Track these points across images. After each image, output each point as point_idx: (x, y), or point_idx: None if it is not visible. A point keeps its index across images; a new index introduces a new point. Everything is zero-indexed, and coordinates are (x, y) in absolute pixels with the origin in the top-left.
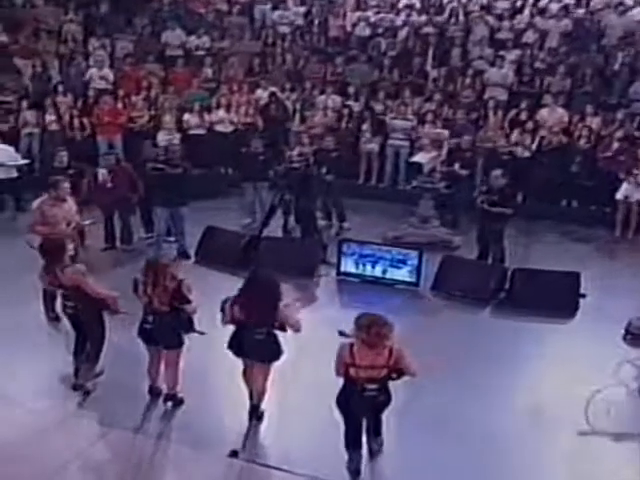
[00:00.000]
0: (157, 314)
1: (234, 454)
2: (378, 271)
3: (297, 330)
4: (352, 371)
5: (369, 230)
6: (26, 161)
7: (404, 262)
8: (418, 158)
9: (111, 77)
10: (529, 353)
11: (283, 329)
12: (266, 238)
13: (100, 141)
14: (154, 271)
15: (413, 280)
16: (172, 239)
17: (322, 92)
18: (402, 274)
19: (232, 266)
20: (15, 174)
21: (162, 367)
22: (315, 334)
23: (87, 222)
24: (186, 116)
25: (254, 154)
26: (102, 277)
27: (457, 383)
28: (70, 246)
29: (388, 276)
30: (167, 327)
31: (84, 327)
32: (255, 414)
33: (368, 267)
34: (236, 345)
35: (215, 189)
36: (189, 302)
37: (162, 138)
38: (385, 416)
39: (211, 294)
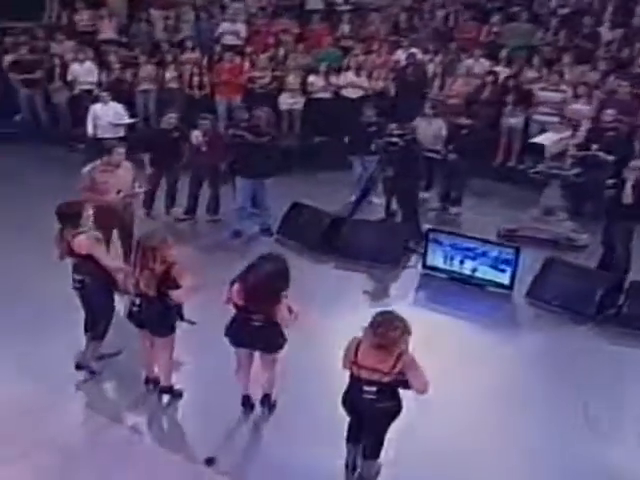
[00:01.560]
0: (144, 297)
1: (209, 462)
2: (467, 268)
3: (285, 326)
4: (354, 369)
5: (484, 219)
6: (132, 120)
7: (498, 260)
8: (541, 139)
9: (243, 32)
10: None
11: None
12: (351, 220)
13: (218, 101)
14: (142, 251)
15: (506, 282)
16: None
17: (470, 55)
18: (494, 274)
19: (312, 248)
20: (122, 133)
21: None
22: None
23: (139, 190)
24: (311, 78)
25: (365, 124)
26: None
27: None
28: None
29: (478, 275)
30: (154, 313)
31: (91, 302)
32: (267, 403)
33: (456, 262)
34: (233, 333)
35: (332, 161)
36: (177, 288)
37: (284, 101)
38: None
39: None
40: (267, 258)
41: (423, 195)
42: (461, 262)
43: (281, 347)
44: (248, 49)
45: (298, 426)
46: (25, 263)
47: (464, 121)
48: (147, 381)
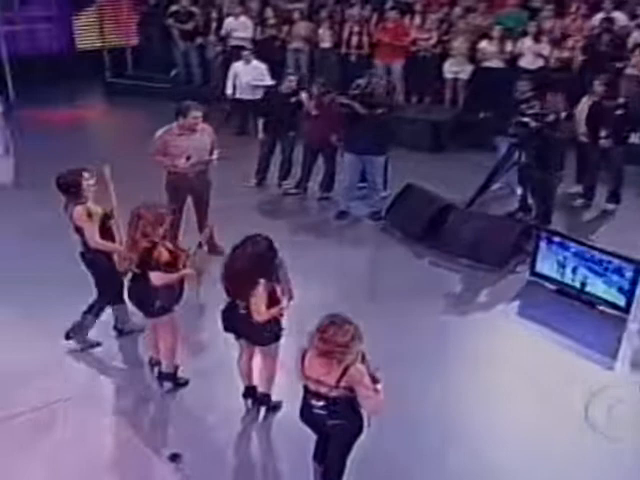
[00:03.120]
0: (131, 272)
1: (174, 458)
2: (578, 280)
3: (258, 318)
4: (303, 379)
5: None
6: (270, 82)
7: (615, 274)
8: None
9: None
10: None
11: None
12: (461, 210)
13: (377, 65)
14: (130, 217)
15: (620, 303)
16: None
17: None
18: (607, 291)
19: (415, 237)
20: (260, 96)
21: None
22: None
23: (214, 157)
24: (483, 43)
25: (517, 101)
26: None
27: None
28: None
29: (588, 289)
30: (139, 291)
31: (92, 274)
32: (265, 403)
33: (568, 272)
34: (223, 317)
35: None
36: (158, 269)
37: (448, 69)
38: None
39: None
40: (250, 239)
41: (569, 189)
42: (573, 271)
43: (267, 341)
44: (417, 6)
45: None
46: None
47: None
48: (150, 362)
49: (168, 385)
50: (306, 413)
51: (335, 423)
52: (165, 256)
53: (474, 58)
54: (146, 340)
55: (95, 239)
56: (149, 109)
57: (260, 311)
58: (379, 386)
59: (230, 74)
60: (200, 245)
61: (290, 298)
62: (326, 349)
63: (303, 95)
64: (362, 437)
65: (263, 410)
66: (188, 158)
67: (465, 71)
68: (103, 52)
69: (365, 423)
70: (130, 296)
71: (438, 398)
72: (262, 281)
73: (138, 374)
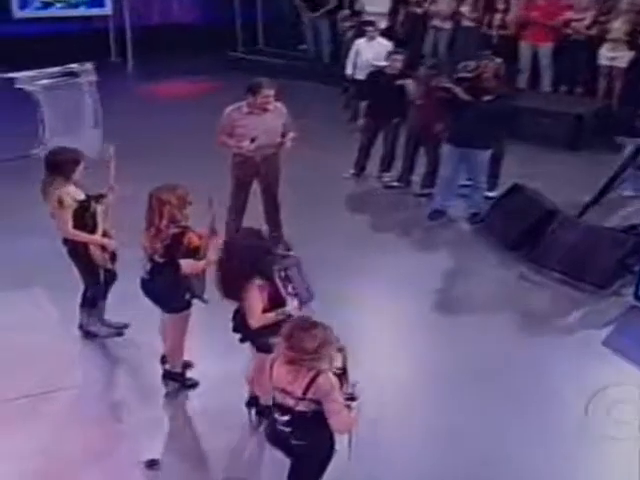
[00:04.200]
0: (152, 263)
1: (151, 464)
2: None
3: (252, 322)
4: (272, 391)
5: None
6: (383, 64)
7: None
8: None
9: None
10: None
11: None
12: (566, 218)
13: (522, 47)
14: (149, 202)
15: None
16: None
17: None
18: None
19: (509, 245)
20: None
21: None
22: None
23: (287, 140)
24: None
25: None
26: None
27: None
28: None
29: None
30: (160, 283)
31: (74, 265)
32: (266, 416)
33: None
34: (234, 317)
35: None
36: (189, 256)
37: (604, 54)
38: None
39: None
40: (243, 231)
41: None
42: None
43: (265, 349)
44: None
45: None
46: None
47: None
48: (162, 360)
49: (174, 385)
50: (270, 430)
51: (299, 444)
52: (195, 241)
53: (635, 44)
54: (161, 335)
55: (66, 228)
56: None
57: (254, 314)
58: (354, 404)
59: (352, 51)
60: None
61: (301, 302)
62: (293, 356)
63: (408, 81)
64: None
65: (252, 414)
66: (253, 140)
67: (623, 58)
68: (235, 25)
69: (343, 443)
70: (149, 291)
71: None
72: (257, 280)
73: (146, 369)
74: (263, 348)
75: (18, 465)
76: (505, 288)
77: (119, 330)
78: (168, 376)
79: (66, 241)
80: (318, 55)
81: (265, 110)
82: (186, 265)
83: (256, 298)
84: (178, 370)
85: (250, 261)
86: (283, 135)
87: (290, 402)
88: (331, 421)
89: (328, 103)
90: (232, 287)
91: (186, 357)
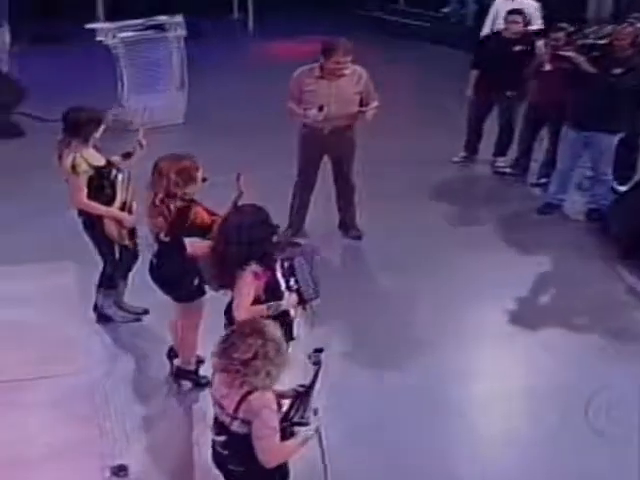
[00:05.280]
0: (159, 243)
1: (119, 470)
2: None
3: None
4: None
5: None
6: (539, 26)
7: None
8: None
9: None
10: None
11: None
12: None
13: None
14: (152, 173)
15: None
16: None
17: None
18: None
19: (622, 252)
20: None
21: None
22: None
23: (367, 110)
24: None
25: None
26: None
27: None
28: None
29: None
30: (167, 266)
31: (92, 242)
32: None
33: None
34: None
35: None
36: (198, 235)
37: None
38: None
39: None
40: (237, 210)
41: None
42: None
43: None
44: None
45: None
46: None
47: None
48: (169, 353)
49: (187, 384)
50: (212, 450)
51: (237, 470)
52: (203, 218)
53: None
54: (170, 327)
55: (78, 198)
56: (410, 52)
57: (241, 305)
58: (290, 442)
59: (490, 12)
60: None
61: (302, 301)
62: (222, 364)
63: (539, 43)
64: None
65: None
66: (321, 108)
67: None
68: None
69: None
70: (155, 275)
71: None
72: (253, 265)
73: (154, 364)
74: None
75: None
76: (606, 303)
77: (137, 316)
78: (179, 373)
79: (81, 212)
80: (461, 18)
81: (339, 75)
82: (191, 245)
83: (247, 285)
84: (191, 367)
85: (249, 242)
86: (361, 104)
87: (225, 419)
88: (255, 447)
89: (461, 74)
90: (223, 272)
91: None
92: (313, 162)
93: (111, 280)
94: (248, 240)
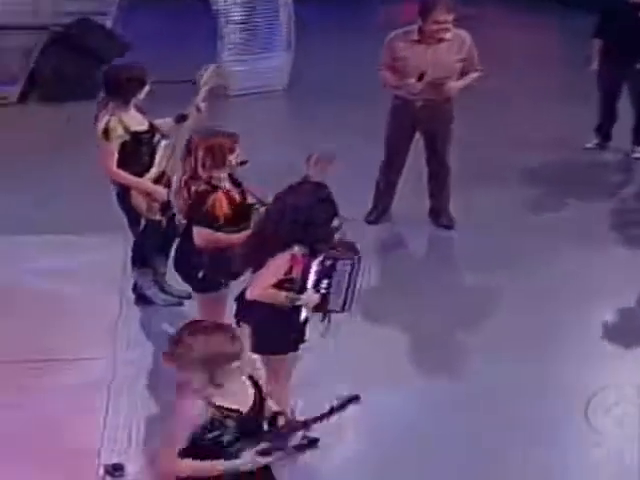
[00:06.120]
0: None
1: (114, 469)
2: None
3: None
4: None
5: None
6: None
7: None
8: None
9: None
10: None
11: None
12: None
13: None
14: (183, 152)
15: None
16: None
17: None
18: None
19: None
20: None
21: None
22: None
23: (468, 79)
24: None
25: None
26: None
27: None
28: None
29: None
30: (182, 255)
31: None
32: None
33: None
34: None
35: None
36: (210, 225)
37: None
38: None
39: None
40: (293, 188)
41: None
42: None
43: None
44: None
45: None
46: None
47: None
48: None
49: None
50: None
51: None
52: (223, 207)
53: None
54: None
55: (107, 164)
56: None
57: (260, 282)
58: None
59: None
60: None
61: (322, 307)
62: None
63: None
64: None
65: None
66: (421, 77)
67: None
68: None
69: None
70: (174, 261)
71: None
72: (296, 247)
73: None
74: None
75: None
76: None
77: (180, 300)
78: None
79: (114, 180)
80: None
81: (440, 40)
82: (198, 234)
83: (278, 266)
84: None
85: (305, 223)
86: (463, 72)
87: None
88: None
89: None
90: (263, 256)
91: None
92: (403, 140)
93: (143, 258)
94: (304, 220)
